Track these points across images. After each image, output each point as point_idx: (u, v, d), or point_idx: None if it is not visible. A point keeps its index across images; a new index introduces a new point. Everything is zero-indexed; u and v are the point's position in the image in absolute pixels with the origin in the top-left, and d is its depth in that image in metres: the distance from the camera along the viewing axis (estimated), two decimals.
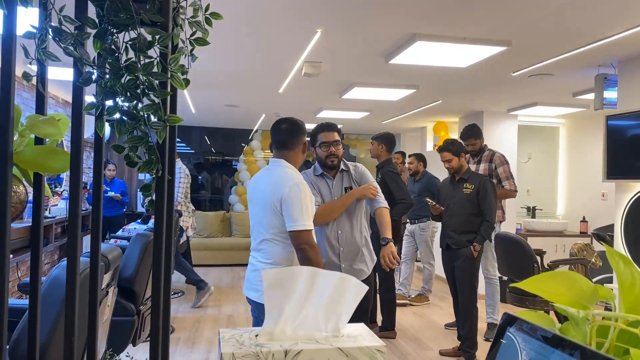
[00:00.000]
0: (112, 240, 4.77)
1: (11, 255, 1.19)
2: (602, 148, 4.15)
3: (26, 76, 1.16)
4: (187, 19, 1.29)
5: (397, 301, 5.00)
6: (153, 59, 1.19)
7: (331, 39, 3.66)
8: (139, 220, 5.92)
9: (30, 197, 1.24)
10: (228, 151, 9.66)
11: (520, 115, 6.67)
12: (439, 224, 4.45)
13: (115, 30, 1.17)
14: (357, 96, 5.58)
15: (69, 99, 2.87)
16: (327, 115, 6.93)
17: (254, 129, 9.30)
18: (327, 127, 2.94)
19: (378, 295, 4.81)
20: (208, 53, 3.67)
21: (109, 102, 1.19)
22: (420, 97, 5.72)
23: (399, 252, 5.79)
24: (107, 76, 1.17)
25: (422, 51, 3.71)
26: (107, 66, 1.16)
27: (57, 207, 5.60)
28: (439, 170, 5.89)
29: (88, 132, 4.88)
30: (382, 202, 3.04)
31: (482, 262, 4.44)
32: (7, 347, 1.50)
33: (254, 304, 2.41)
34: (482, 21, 3.22)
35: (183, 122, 1.27)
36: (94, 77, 1.17)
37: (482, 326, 4.44)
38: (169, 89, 1.23)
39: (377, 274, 4.37)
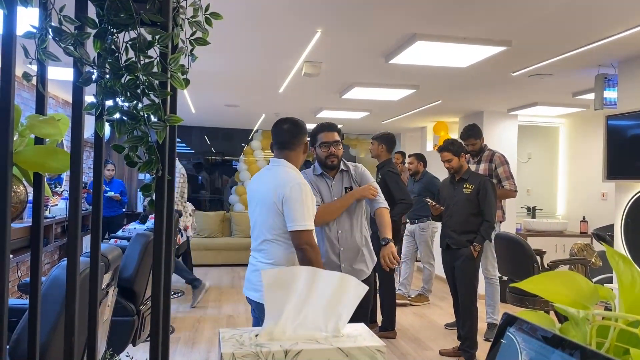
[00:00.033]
0: (112, 240, 4.77)
1: (11, 255, 1.19)
2: (602, 148, 4.15)
3: (26, 76, 1.16)
4: (187, 19, 1.29)
5: (397, 301, 5.00)
6: (153, 59, 1.19)
7: (331, 39, 3.66)
8: (138, 220, 5.92)
9: (30, 197, 1.24)
10: (228, 151, 9.65)
11: (520, 115, 6.67)
12: (439, 224, 4.45)
13: (115, 30, 1.17)
14: (357, 96, 5.58)
15: (69, 99, 2.87)
16: (327, 115, 6.93)
17: (254, 129, 9.30)
18: (327, 127, 2.94)
19: (378, 295, 4.81)
20: (208, 53, 3.67)
21: (109, 102, 1.19)
22: (420, 97, 5.71)
23: (399, 252, 5.79)
24: (107, 76, 1.17)
25: (422, 51, 3.71)
26: (107, 66, 1.16)
27: (57, 207, 5.60)
28: (439, 170, 5.89)
29: (88, 132, 4.88)
30: (382, 202, 3.03)
31: (482, 262, 4.44)
32: (7, 347, 1.49)
33: (254, 304, 2.41)
34: (482, 21, 3.22)
35: (183, 122, 1.27)
36: (94, 77, 1.17)
37: (482, 326, 4.44)
38: (169, 89, 1.23)
39: (377, 274, 4.37)
